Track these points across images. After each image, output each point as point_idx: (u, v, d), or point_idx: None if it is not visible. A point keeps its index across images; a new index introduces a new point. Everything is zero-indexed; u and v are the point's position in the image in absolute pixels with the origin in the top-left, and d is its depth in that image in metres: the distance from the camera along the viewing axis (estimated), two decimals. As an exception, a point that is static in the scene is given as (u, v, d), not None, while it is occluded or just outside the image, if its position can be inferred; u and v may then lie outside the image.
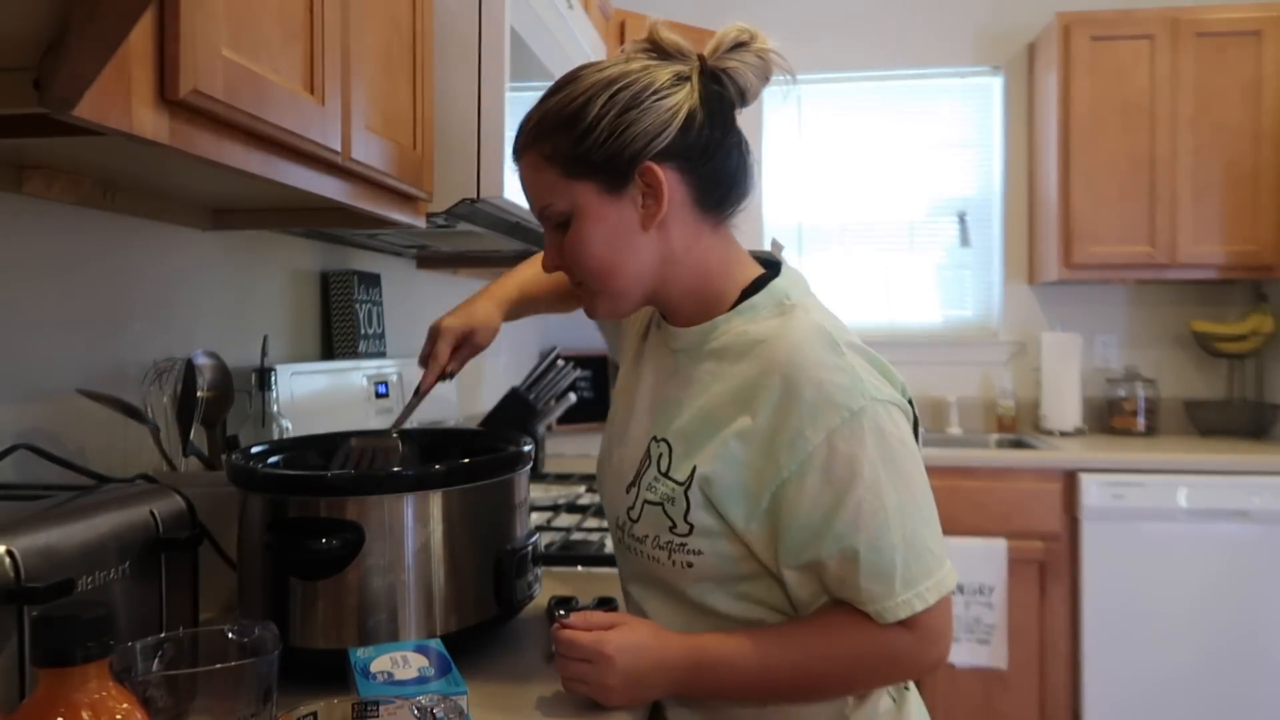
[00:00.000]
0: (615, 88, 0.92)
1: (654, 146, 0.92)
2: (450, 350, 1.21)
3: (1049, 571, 2.85)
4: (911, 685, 1.02)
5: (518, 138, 0.98)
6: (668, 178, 0.93)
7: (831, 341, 0.91)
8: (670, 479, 0.95)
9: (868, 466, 0.87)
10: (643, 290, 0.98)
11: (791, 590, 0.92)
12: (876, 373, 0.92)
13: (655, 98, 0.92)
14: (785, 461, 0.88)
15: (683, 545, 0.94)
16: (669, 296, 0.99)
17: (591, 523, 1.74)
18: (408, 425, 1.26)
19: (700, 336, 0.99)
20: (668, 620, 0.99)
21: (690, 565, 0.94)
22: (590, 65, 0.97)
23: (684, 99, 0.93)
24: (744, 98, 0.96)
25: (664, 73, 0.93)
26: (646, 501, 0.97)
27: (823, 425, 0.87)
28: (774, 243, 3.29)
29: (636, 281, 0.97)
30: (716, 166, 0.95)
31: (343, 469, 1.20)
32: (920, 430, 0.97)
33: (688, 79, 0.94)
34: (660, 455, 0.97)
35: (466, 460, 1.06)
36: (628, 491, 1.00)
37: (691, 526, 0.93)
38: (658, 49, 0.97)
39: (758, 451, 0.90)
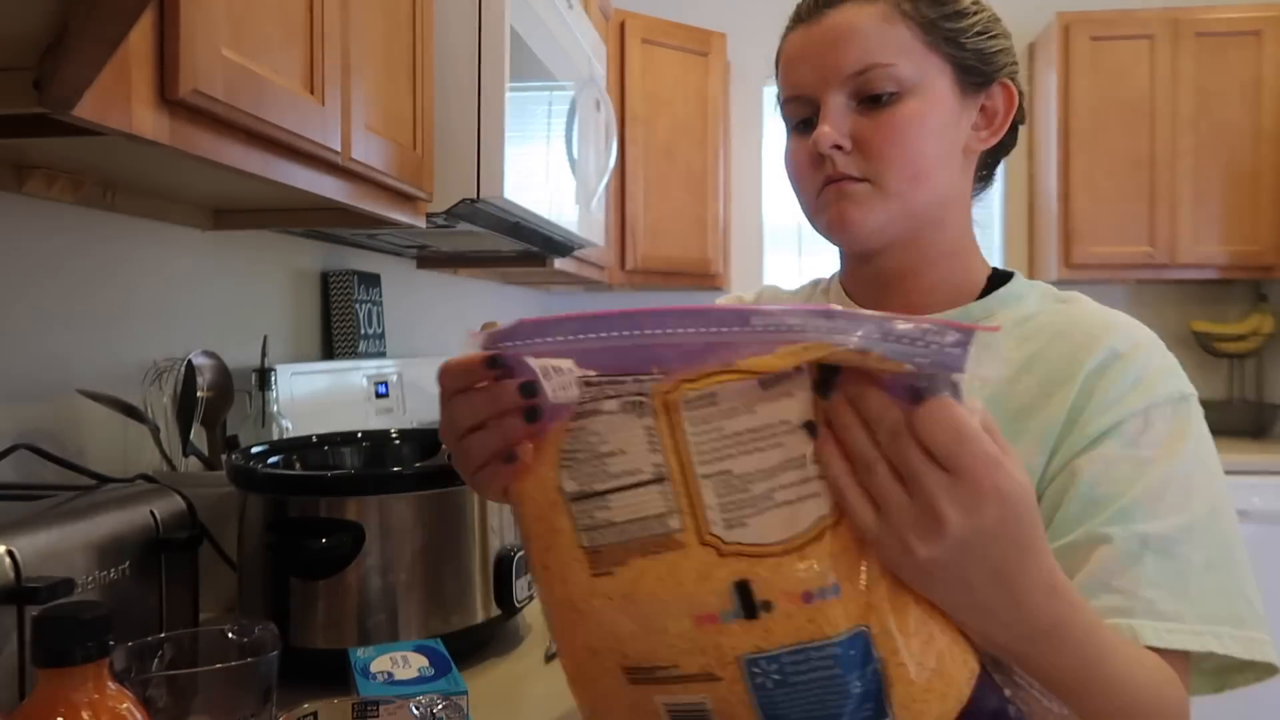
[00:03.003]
0: None
1: (1011, 68, 0.82)
2: None
3: (1049, 571, 2.84)
4: None
5: None
6: (1010, 107, 0.82)
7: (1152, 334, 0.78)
8: None
9: (1187, 453, 0.70)
10: (920, 220, 0.80)
11: None
12: None
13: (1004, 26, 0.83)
14: (1090, 430, 0.71)
15: None
16: (923, 252, 0.82)
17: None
18: (407, 426, 1.26)
19: None
20: None
21: None
22: None
23: None
24: None
25: None
26: None
27: (1144, 396, 0.72)
28: None
29: (930, 198, 0.79)
30: (1013, 132, 0.85)
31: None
32: None
33: None
34: None
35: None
36: None
37: None
38: None
39: (1064, 430, 0.73)
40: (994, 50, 0.81)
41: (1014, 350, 0.78)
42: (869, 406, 0.49)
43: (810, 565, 0.49)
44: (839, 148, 0.78)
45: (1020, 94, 0.83)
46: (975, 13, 0.81)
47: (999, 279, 0.84)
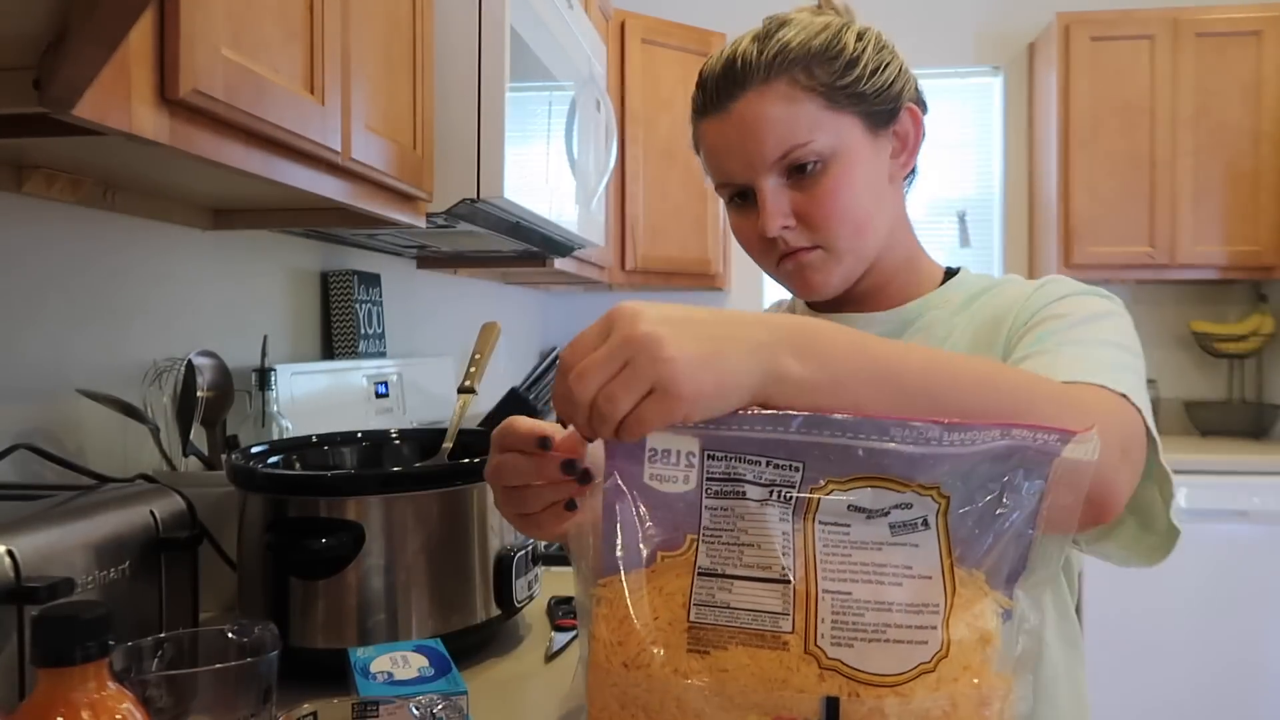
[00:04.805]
0: (856, 27, 0.86)
1: (909, 89, 0.88)
2: None
3: (1049, 571, 2.84)
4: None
5: (740, 72, 0.84)
6: (918, 127, 0.88)
7: None
8: None
9: (1082, 308, 0.79)
10: (874, 254, 0.88)
11: None
12: None
13: (889, 42, 0.88)
14: (1013, 324, 0.82)
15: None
16: (881, 269, 0.90)
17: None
18: (407, 426, 1.26)
19: (905, 317, 0.90)
20: None
21: None
22: (790, 14, 0.88)
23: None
24: None
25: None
26: None
27: (1046, 288, 0.83)
28: None
29: (877, 241, 0.87)
30: (922, 132, 0.91)
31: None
32: None
33: None
34: None
35: (466, 460, 1.06)
36: None
37: None
38: (832, 8, 0.91)
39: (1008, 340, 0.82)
40: (890, 83, 0.86)
41: (959, 313, 0.88)
42: (562, 362, 0.56)
43: (899, 704, 0.52)
44: (786, 228, 0.85)
45: (924, 107, 0.90)
46: (861, 54, 0.85)
47: (949, 274, 0.94)
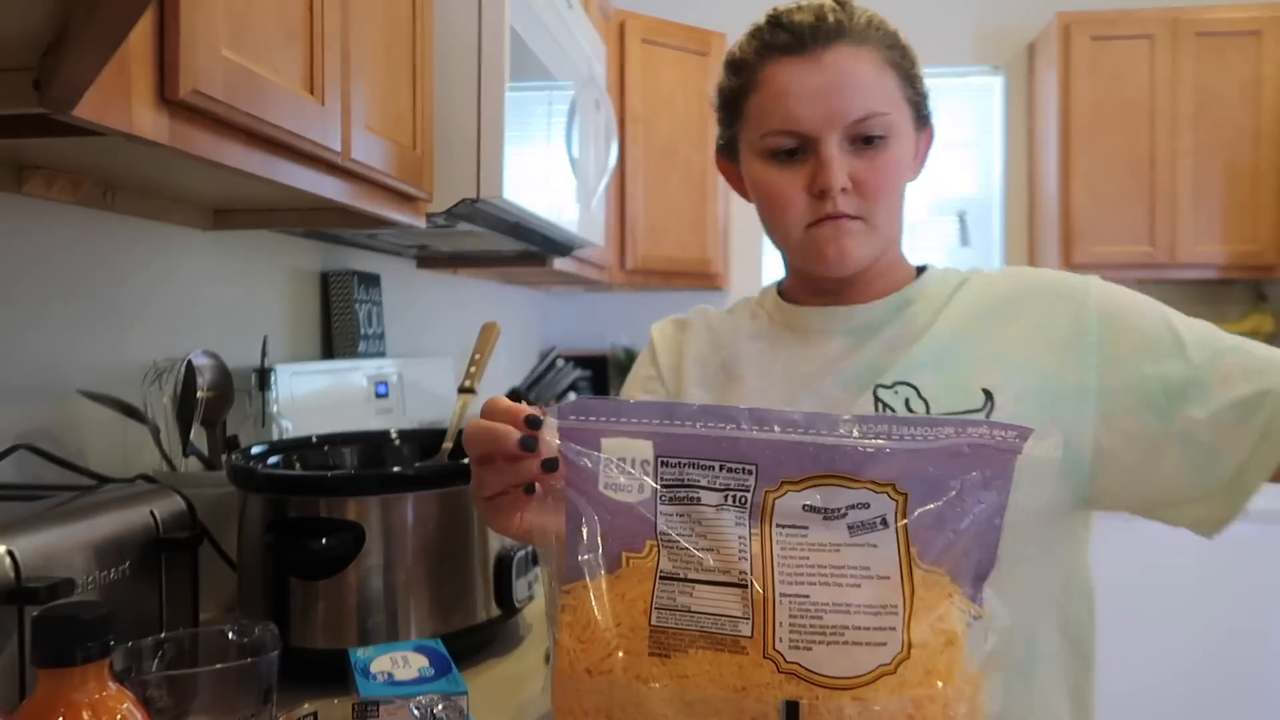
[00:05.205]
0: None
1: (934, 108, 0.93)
2: None
3: (1049, 571, 2.84)
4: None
5: (835, 24, 0.83)
6: (929, 143, 0.93)
7: None
8: (954, 413, 0.84)
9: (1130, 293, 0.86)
10: (892, 242, 0.92)
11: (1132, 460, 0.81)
12: None
13: None
14: (1079, 334, 0.84)
15: None
16: (876, 265, 0.92)
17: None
18: (407, 426, 1.26)
19: (893, 307, 0.92)
20: None
21: None
22: None
23: None
24: None
25: None
26: None
27: (1080, 289, 0.87)
28: None
29: (897, 228, 0.91)
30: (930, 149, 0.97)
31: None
32: None
33: None
34: (904, 400, 0.86)
35: (466, 460, 1.06)
36: None
37: None
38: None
39: (1041, 349, 0.85)
40: (928, 92, 0.91)
41: (945, 305, 0.90)
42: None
43: (859, 707, 0.52)
44: (843, 189, 0.84)
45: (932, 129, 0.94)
46: (914, 53, 0.89)
47: (919, 269, 0.97)
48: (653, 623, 0.54)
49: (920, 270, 0.97)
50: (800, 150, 0.85)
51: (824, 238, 0.86)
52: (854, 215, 0.85)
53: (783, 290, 1.00)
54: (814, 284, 0.94)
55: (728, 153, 0.96)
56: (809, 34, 0.83)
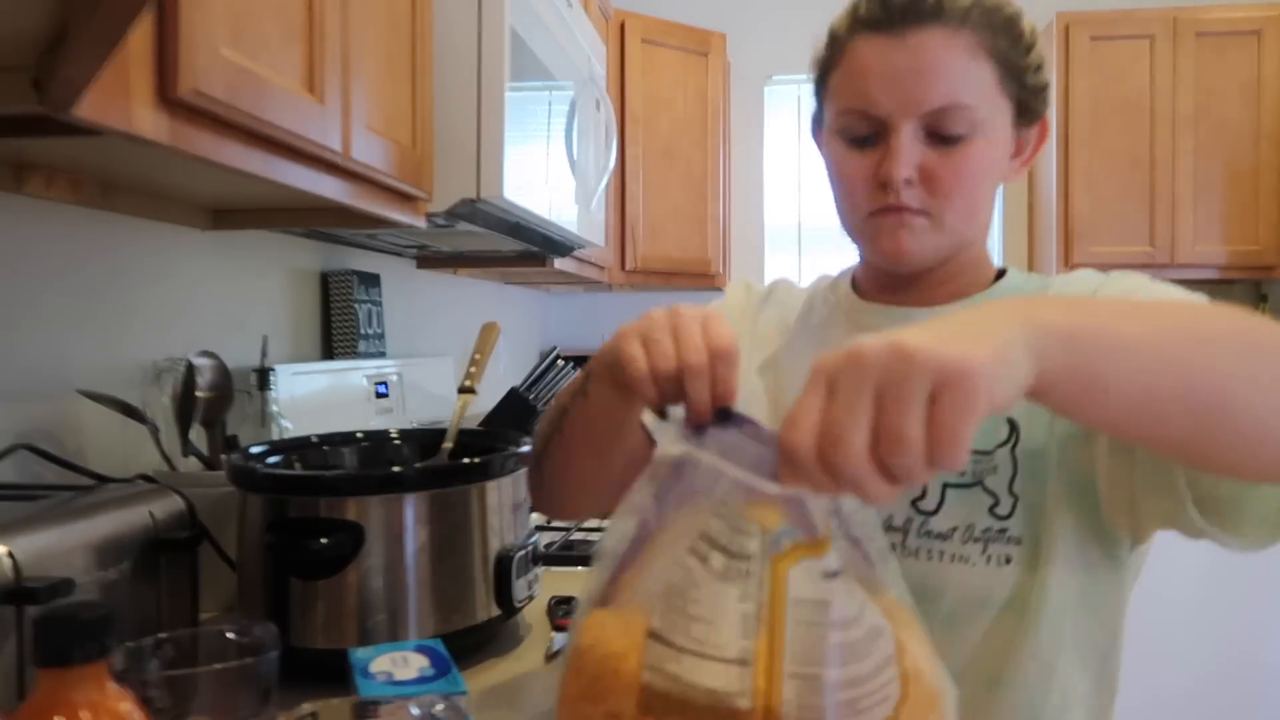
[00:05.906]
0: (1030, 18, 0.81)
1: (1049, 100, 0.84)
2: None
3: (1049, 571, 2.84)
4: None
5: (932, 3, 0.77)
6: (1043, 139, 0.85)
7: None
8: (978, 451, 0.79)
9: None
10: (965, 243, 0.84)
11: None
12: None
13: None
14: None
15: (1002, 532, 0.78)
16: (957, 261, 0.85)
17: (591, 522, 1.74)
18: (407, 426, 1.26)
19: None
20: (961, 659, 0.78)
21: (1008, 561, 0.78)
22: None
23: None
24: None
25: None
26: (948, 485, 0.80)
27: (1124, 281, 0.80)
28: None
29: (973, 230, 0.84)
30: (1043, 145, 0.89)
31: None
32: None
33: None
34: None
35: (466, 460, 1.06)
36: None
37: (1016, 500, 0.77)
38: None
39: None
40: (1045, 85, 0.82)
41: None
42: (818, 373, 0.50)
43: None
44: (909, 181, 0.78)
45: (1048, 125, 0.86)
46: (1035, 44, 0.81)
47: (999, 274, 0.90)
48: (643, 681, 0.50)
49: (1000, 274, 0.90)
50: (875, 135, 0.80)
51: (883, 229, 0.81)
52: (918, 210, 0.79)
53: (856, 280, 0.94)
54: (881, 278, 0.89)
55: (818, 127, 0.90)
56: (899, 11, 0.77)
